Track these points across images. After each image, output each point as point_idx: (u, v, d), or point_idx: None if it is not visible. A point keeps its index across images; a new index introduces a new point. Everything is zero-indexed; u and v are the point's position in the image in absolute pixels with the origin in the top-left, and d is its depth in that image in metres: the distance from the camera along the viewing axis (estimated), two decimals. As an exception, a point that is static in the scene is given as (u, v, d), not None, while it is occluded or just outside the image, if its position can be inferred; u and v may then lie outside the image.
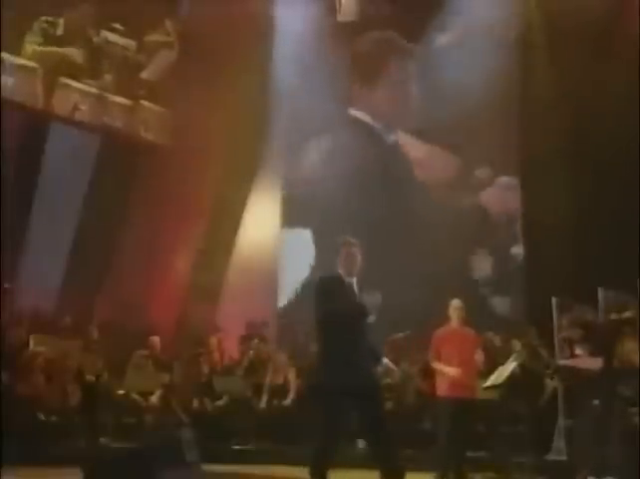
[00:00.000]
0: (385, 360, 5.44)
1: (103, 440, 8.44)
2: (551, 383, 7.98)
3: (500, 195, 10.82)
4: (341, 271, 4.96)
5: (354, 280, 4.94)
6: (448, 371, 6.84)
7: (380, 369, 5.39)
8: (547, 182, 9.91)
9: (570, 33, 9.60)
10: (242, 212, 11.62)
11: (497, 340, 8.90)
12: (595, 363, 6.88)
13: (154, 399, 8.88)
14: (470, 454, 7.56)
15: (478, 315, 8.65)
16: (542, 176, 10.05)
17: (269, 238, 11.65)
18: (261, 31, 10.99)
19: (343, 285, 4.90)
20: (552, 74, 9.97)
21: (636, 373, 7.51)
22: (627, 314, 8.37)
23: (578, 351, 7.08)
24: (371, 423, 4.90)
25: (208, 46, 10.56)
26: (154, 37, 11.27)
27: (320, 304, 4.85)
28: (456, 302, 7.18)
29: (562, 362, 7.00)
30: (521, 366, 7.66)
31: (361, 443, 8.61)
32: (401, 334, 9.33)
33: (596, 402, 6.67)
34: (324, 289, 4.90)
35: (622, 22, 9.87)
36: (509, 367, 7.53)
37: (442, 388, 7.06)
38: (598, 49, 9.68)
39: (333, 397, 4.80)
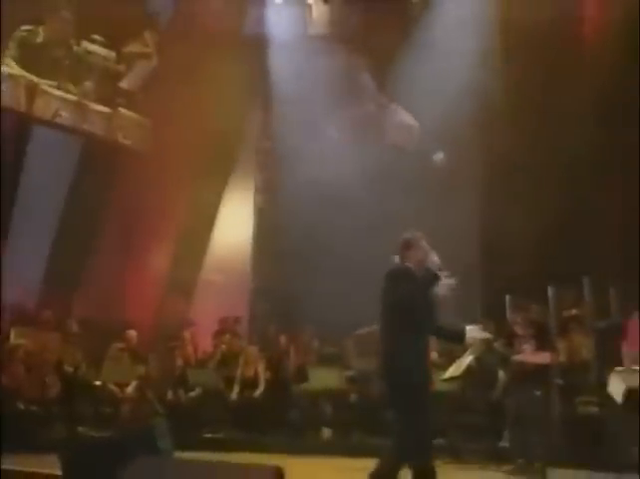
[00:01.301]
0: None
1: (81, 429, 8.31)
2: (504, 375, 7.98)
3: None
4: (411, 265, 4.66)
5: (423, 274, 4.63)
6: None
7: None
8: (504, 187, 9.90)
9: (529, 43, 9.54)
10: (216, 212, 11.59)
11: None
12: (545, 358, 6.92)
13: (129, 390, 8.80)
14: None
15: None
16: (499, 181, 10.06)
17: (242, 237, 11.60)
18: (239, 43, 10.90)
19: (415, 279, 4.59)
20: (512, 83, 9.87)
21: (583, 366, 7.59)
22: (575, 311, 8.47)
23: (529, 346, 7.08)
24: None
25: (186, 57, 10.47)
26: (132, 48, 11.13)
27: (397, 295, 4.50)
28: None
29: (517, 357, 6.99)
30: (477, 360, 7.67)
31: (326, 432, 8.57)
32: (366, 329, 9.30)
33: (538, 393, 6.69)
34: (396, 279, 4.57)
35: (577, 31, 9.90)
36: (466, 361, 7.55)
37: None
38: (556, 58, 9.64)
39: (407, 391, 4.47)
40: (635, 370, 6.07)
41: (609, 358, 6.59)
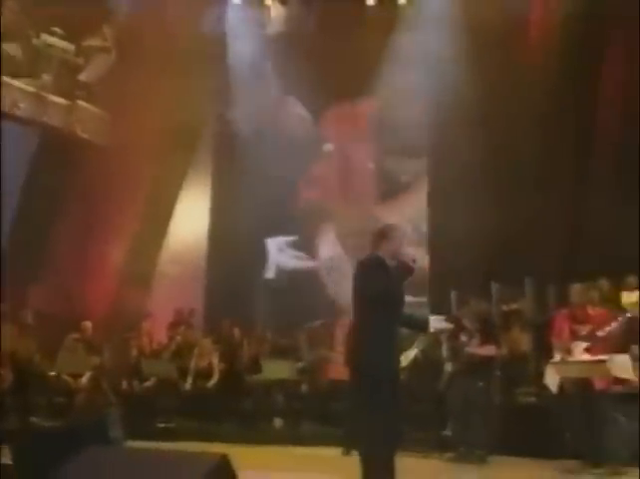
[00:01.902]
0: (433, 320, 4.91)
1: (34, 419, 8.18)
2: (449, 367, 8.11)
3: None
4: (382, 254, 4.55)
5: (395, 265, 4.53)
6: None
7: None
8: (451, 188, 10.03)
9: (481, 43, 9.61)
10: (174, 205, 11.51)
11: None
12: (490, 350, 7.05)
13: (84, 380, 8.69)
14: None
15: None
16: (446, 181, 10.19)
17: (199, 230, 11.55)
18: (198, 37, 10.81)
19: (387, 268, 4.48)
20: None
21: (522, 359, 7.77)
22: (515, 306, 8.67)
23: (475, 339, 7.20)
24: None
25: (145, 51, 10.35)
26: (92, 42, 10.96)
27: (368, 284, 4.41)
28: None
29: (466, 349, 7.11)
30: (424, 352, 7.78)
31: (278, 422, 8.59)
32: (317, 322, 9.36)
33: (481, 384, 6.81)
34: (368, 269, 4.47)
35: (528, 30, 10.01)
36: (413, 353, 7.66)
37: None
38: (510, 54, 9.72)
39: (375, 382, 4.37)
40: (568, 362, 6.24)
41: (546, 351, 6.75)
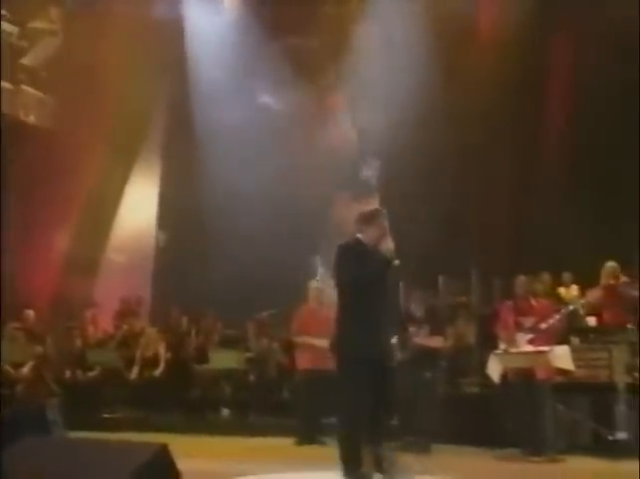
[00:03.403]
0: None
1: (-27, 410, 7.93)
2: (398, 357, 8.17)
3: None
4: (364, 238, 4.41)
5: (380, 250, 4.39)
6: (315, 342, 6.88)
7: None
8: (400, 183, 10.08)
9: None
10: (121, 192, 11.29)
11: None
12: (437, 342, 7.14)
13: (25, 370, 8.48)
14: (327, 420, 7.68)
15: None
16: (395, 178, 10.22)
17: (147, 218, 11.38)
18: (149, 25, 10.61)
19: (367, 253, 4.35)
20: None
21: (468, 350, 7.88)
22: (461, 299, 8.80)
23: (424, 331, 7.26)
24: (383, 392, 4.39)
25: (93, 35, 10.09)
26: (37, 24, 10.63)
27: (346, 268, 4.29)
28: (314, 284, 7.26)
29: (415, 340, 7.18)
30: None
31: (225, 412, 8.55)
32: (265, 313, 9.33)
33: (427, 374, 6.90)
34: (348, 254, 4.33)
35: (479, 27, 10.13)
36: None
37: (302, 361, 7.11)
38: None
39: (358, 366, 4.28)
40: (510, 352, 6.36)
41: (491, 342, 6.86)
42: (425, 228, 9.24)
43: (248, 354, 8.79)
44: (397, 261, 4.40)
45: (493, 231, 9.29)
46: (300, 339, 7.14)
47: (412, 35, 9.81)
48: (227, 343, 9.11)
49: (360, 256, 4.33)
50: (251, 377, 8.62)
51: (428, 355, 7.03)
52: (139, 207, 11.42)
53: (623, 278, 7.08)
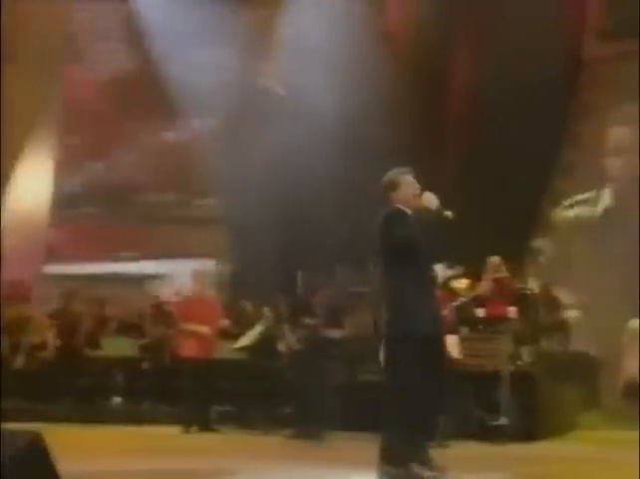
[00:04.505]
0: None
1: None
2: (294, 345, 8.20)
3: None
4: (398, 204, 4.15)
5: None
6: (200, 329, 6.80)
7: None
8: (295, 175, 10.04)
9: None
10: (11, 174, 10.75)
11: (249, 307, 9.00)
12: (335, 332, 7.21)
13: None
14: (218, 408, 7.62)
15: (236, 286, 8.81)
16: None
17: (39, 201, 10.91)
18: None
19: (408, 218, 4.09)
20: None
21: (365, 338, 8.00)
22: (361, 289, 8.91)
23: (320, 320, 7.31)
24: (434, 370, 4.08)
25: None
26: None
27: (399, 232, 3.97)
28: (198, 269, 7.23)
29: (312, 328, 7.21)
30: (268, 330, 7.82)
31: (117, 400, 8.34)
32: (165, 298, 9.16)
33: (323, 363, 6.96)
34: (398, 218, 4.04)
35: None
36: (257, 331, 7.69)
37: (188, 349, 7.04)
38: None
39: (418, 346, 3.97)
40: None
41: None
42: (323, 217, 9.29)
43: (143, 341, 8.60)
44: (449, 213, 4.13)
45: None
46: (185, 326, 7.07)
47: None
48: (123, 330, 8.87)
49: (408, 220, 4.08)
50: (145, 364, 8.44)
51: (325, 344, 7.10)
52: (31, 185, 10.91)
53: (505, 273, 7.35)
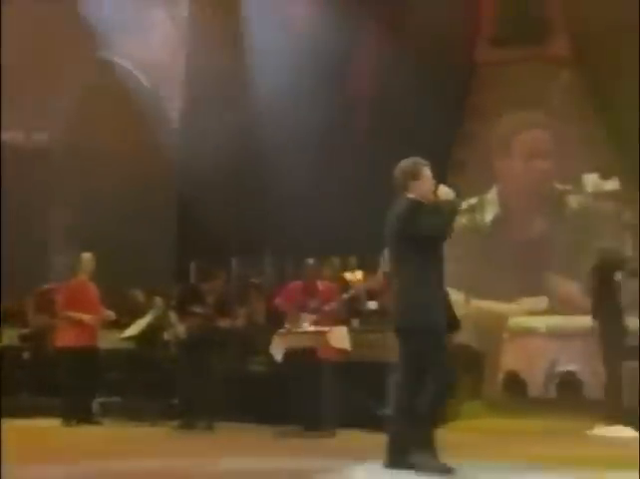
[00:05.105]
0: None
1: None
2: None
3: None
4: (415, 195, 4.10)
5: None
6: (83, 318, 6.62)
7: None
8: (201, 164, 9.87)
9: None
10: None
11: (142, 296, 8.78)
12: (226, 322, 7.17)
13: None
14: (104, 400, 7.40)
15: (128, 275, 8.56)
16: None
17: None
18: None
19: (429, 208, 4.04)
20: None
21: (258, 329, 8.01)
22: (253, 280, 8.93)
23: (211, 309, 7.22)
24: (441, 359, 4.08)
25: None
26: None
27: (420, 219, 3.95)
28: (86, 256, 7.03)
29: (201, 316, 7.10)
30: (157, 319, 7.66)
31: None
32: (47, 285, 8.80)
33: (212, 353, 6.90)
34: (418, 207, 4.00)
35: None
36: (146, 320, 7.53)
37: (66, 339, 6.84)
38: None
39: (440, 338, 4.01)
40: (293, 332, 6.56)
41: (279, 322, 7.00)
42: (220, 210, 9.19)
43: (24, 330, 8.22)
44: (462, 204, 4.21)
45: (290, 214, 9.43)
46: (67, 315, 6.86)
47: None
48: (4, 319, 8.43)
49: (430, 209, 4.06)
50: (25, 354, 8.08)
51: (215, 335, 7.03)
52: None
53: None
